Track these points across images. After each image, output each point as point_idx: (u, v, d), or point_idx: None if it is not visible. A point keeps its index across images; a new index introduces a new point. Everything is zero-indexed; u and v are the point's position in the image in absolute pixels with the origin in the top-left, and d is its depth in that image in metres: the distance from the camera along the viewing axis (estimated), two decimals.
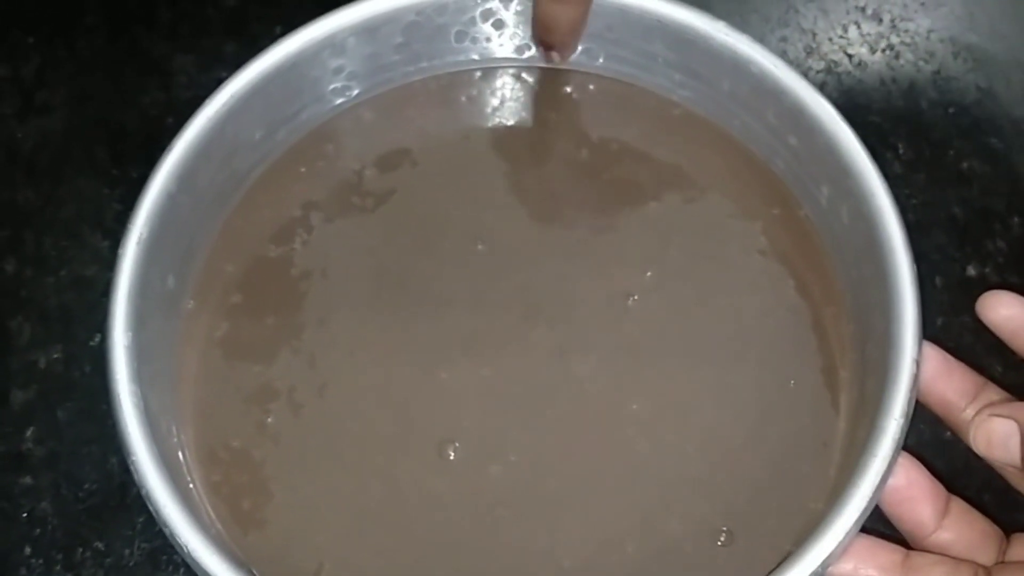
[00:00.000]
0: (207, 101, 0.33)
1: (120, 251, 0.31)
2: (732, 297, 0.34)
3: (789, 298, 0.34)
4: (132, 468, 0.28)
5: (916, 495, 0.29)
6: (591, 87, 0.37)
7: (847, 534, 0.27)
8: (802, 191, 0.35)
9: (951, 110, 0.43)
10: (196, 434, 0.32)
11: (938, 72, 0.44)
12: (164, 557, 0.35)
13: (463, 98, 0.38)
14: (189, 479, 0.31)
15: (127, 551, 0.35)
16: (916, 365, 0.29)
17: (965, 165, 0.41)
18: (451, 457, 0.31)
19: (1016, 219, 0.40)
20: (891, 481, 0.28)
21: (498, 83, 0.38)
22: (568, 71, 0.37)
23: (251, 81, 0.34)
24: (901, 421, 0.28)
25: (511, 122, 0.37)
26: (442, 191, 0.36)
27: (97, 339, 0.39)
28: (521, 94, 0.38)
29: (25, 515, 0.36)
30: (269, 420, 0.32)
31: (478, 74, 0.37)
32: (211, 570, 0.27)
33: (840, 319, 0.33)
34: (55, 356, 0.38)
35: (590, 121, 0.37)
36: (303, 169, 0.36)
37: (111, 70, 0.44)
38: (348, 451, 0.32)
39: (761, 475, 0.31)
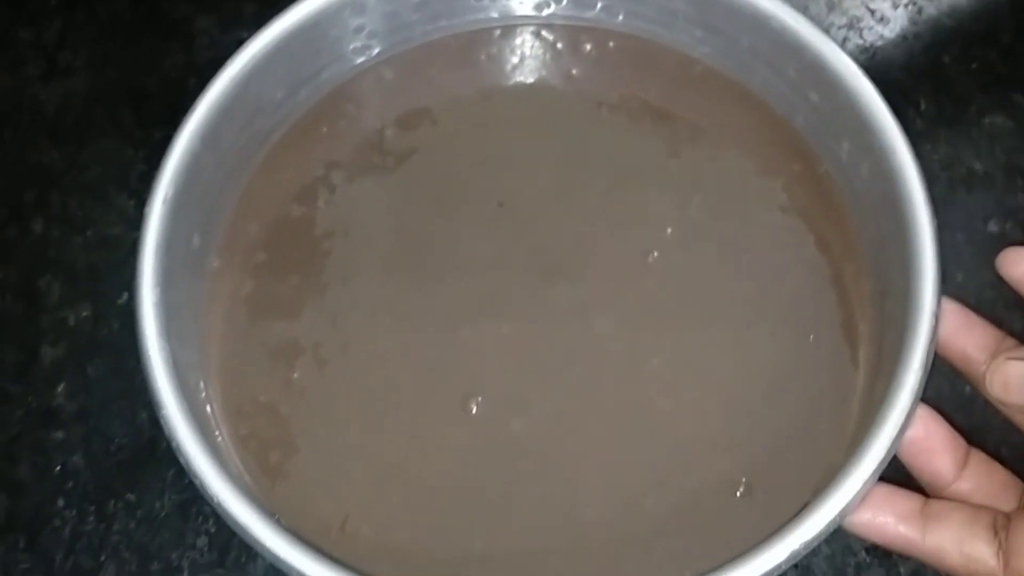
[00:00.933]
0: (229, 61, 0.33)
1: (146, 210, 0.32)
2: (752, 253, 0.34)
3: (809, 254, 0.34)
4: (162, 422, 0.29)
5: (935, 446, 0.29)
6: (611, 44, 0.37)
7: (864, 484, 0.27)
8: (822, 147, 0.35)
9: (973, 65, 0.42)
10: (223, 389, 0.32)
11: (960, 27, 0.43)
12: (194, 508, 0.36)
13: (483, 56, 0.38)
14: (217, 432, 0.32)
15: (158, 503, 0.36)
16: (935, 319, 0.29)
17: (987, 121, 0.41)
18: (473, 411, 0.32)
19: None
20: (909, 432, 0.28)
21: (517, 41, 0.38)
22: (589, 28, 0.37)
23: (272, 41, 0.34)
24: (920, 373, 0.28)
25: (530, 80, 0.37)
26: (462, 150, 0.36)
27: (125, 297, 0.39)
28: (541, 52, 0.38)
29: (58, 468, 0.37)
30: (295, 376, 0.32)
31: (497, 32, 0.37)
32: (240, 520, 0.27)
33: (860, 275, 0.33)
34: (84, 314, 0.39)
35: (610, 79, 0.37)
36: (325, 129, 0.36)
37: (132, 32, 0.44)
38: (372, 406, 0.32)
39: (780, 430, 0.32)
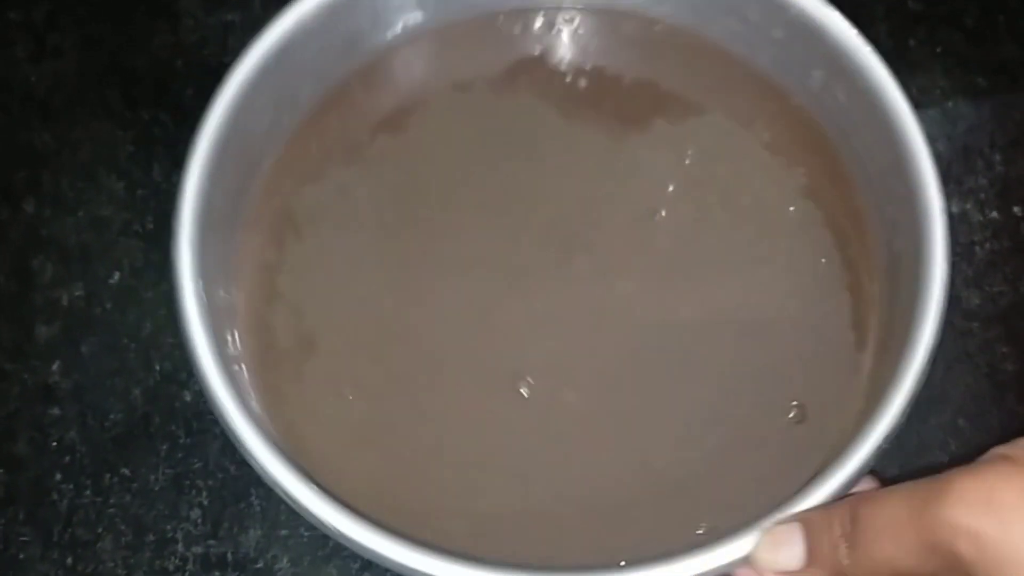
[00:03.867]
0: (268, 25, 0.34)
1: (186, 167, 0.32)
2: (750, 195, 0.35)
3: (800, 184, 0.35)
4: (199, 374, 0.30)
5: None
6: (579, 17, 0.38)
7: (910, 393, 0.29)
8: (792, 80, 0.36)
9: (938, 49, 0.44)
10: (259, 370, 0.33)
11: (925, 11, 0.45)
12: (187, 482, 0.38)
13: (493, 38, 0.38)
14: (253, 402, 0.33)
15: (152, 477, 0.38)
16: (944, 212, 0.30)
17: (950, 104, 0.43)
18: (525, 392, 0.33)
19: (998, 156, 0.42)
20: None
21: (519, 23, 0.38)
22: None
23: (315, 5, 0.34)
24: (942, 271, 0.30)
25: (533, 59, 0.38)
26: (465, 134, 0.37)
27: (116, 277, 0.40)
28: (548, 32, 0.38)
29: (55, 444, 0.38)
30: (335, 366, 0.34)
31: (502, 16, 0.38)
32: (277, 477, 0.29)
33: (852, 193, 0.35)
34: (77, 294, 0.40)
35: (586, 48, 0.38)
36: (360, 96, 0.37)
37: (120, 13, 0.45)
38: (414, 392, 0.33)
39: (814, 355, 0.33)
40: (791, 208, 0.35)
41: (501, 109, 0.37)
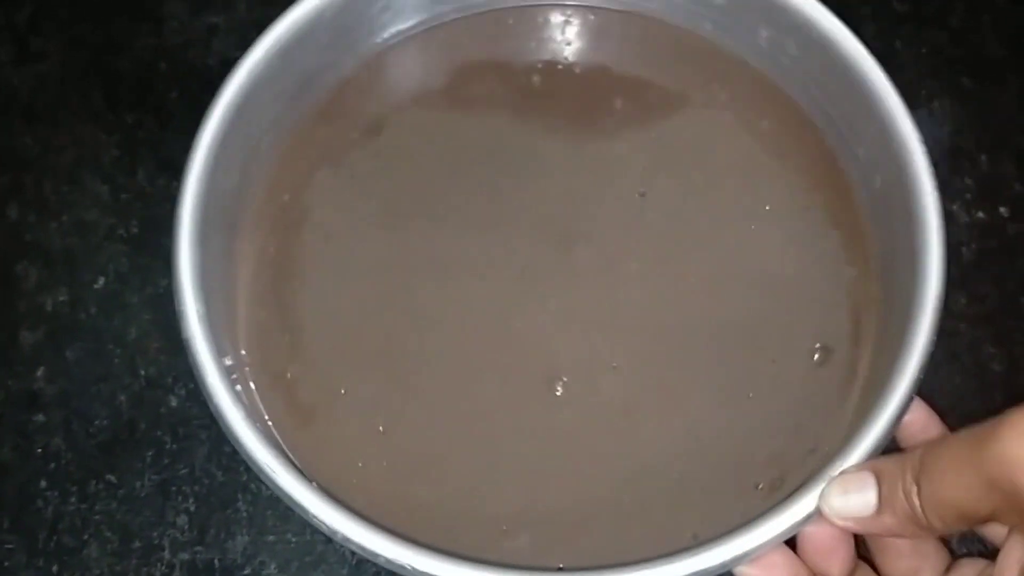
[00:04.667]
0: (271, 26, 0.34)
1: (185, 173, 0.32)
2: (736, 171, 0.36)
3: (779, 149, 0.36)
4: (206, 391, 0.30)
5: (834, 546, 0.29)
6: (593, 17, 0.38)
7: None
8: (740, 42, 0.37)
9: (923, 50, 0.44)
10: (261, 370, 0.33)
11: (911, 12, 0.45)
12: (173, 488, 0.37)
13: (491, 35, 0.39)
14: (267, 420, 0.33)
15: (138, 483, 0.37)
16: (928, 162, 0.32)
17: (936, 104, 0.43)
18: (559, 391, 0.33)
19: (984, 157, 0.42)
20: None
21: (518, 19, 0.39)
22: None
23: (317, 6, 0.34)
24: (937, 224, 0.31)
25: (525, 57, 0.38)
26: (453, 132, 0.37)
27: (101, 282, 0.40)
28: (542, 30, 0.39)
29: (40, 450, 0.38)
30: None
31: (509, 13, 0.38)
32: (297, 496, 0.29)
33: (819, 137, 0.36)
34: (61, 299, 0.40)
35: (573, 44, 0.38)
36: (352, 99, 0.37)
37: (103, 16, 0.45)
38: (445, 401, 0.33)
39: (822, 295, 0.34)
40: (777, 176, 0.36)
41: (489, 110, 0.37)
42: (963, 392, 0.39)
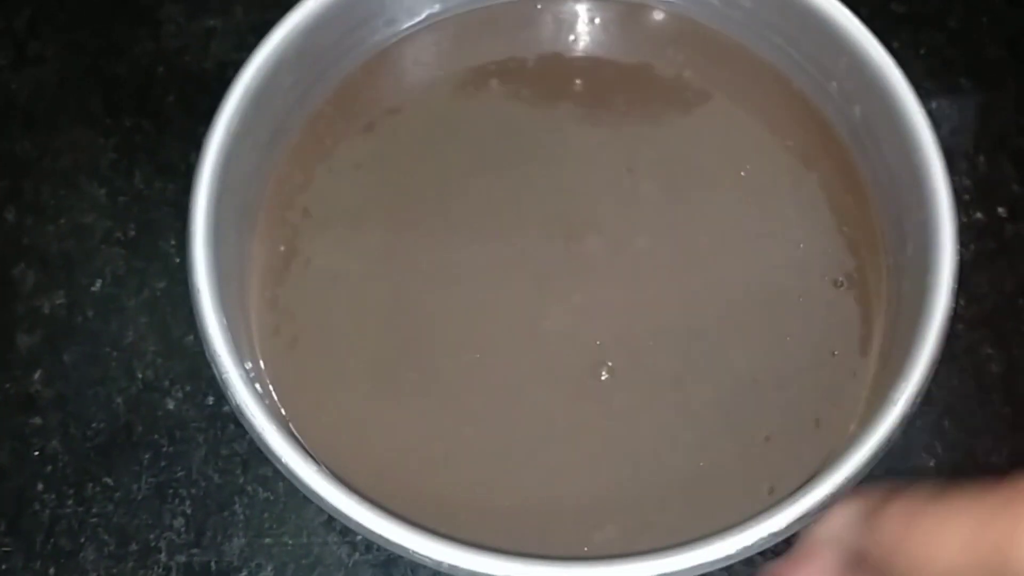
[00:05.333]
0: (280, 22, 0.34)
1: (198, 167, 0.32)
2: (728, 140, 0.37)
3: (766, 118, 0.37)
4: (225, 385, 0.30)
5: None
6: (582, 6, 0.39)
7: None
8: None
9: (921, 51, 0.44)
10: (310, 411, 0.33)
11: (909, 12, 0.45)
12: (170, 491, 0.37)
13: (508, 27, 0.39)
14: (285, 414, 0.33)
15: (135, 486, 0.37)
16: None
17: (934, 105, 0.43)
18: (605, 376, 0.33)
19: (983, 158, 0.42)
20: None
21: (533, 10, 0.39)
22: None
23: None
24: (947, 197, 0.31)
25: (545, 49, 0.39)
26: (462, 124, 0.37)
27: (98, 285, 0.40)
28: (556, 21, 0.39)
29: (37, 453, 0.38)
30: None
31: (524, 3, 0.39)
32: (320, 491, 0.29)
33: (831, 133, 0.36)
34: (58, 302, 0.40)
35: (584, 37, 0.39)
36: (366, 88, 0.37)
37: (101, 20, 0.45)
38: (492, 395, 0.34)
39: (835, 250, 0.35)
40: (770, 143, 0.37)
41: (499, 101, 0.37)
42: (961, 394, 0.38)
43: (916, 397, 0.30)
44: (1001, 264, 0.40)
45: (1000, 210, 0.41)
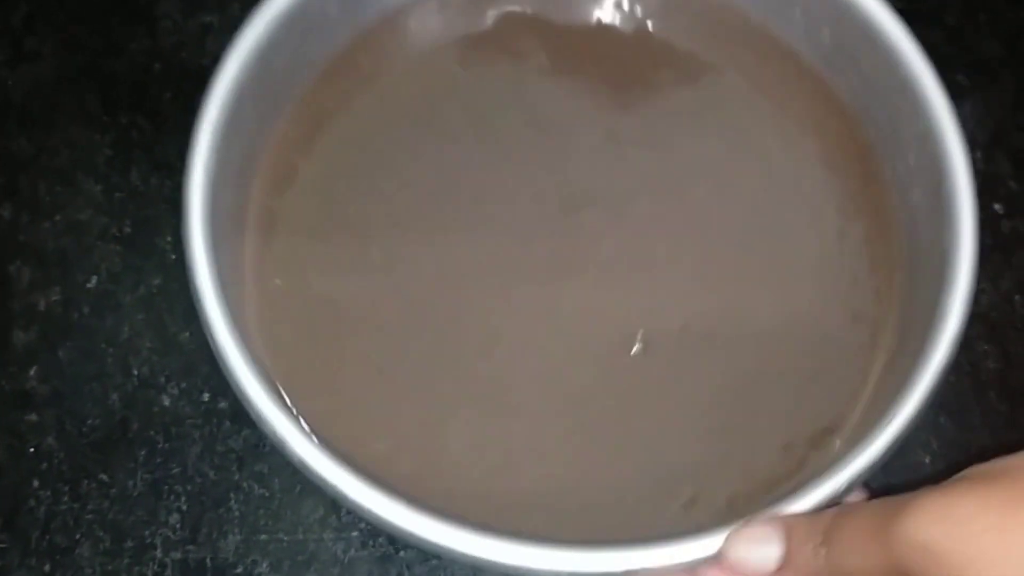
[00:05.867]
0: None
1: (190, 155, 0.32)
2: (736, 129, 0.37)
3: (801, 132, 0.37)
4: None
5: None
6: None
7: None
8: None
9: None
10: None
11: (906, 8, 0.45)
12: (165, 487, 0.37)
13: None
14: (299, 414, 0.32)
15: (130, 482, 0.37)
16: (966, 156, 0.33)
17: None
18: (634, 350, 0.33)
19: (979, 154, 0.42)
20: None
21: None
22: None
23: None
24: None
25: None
26: (465, 92, 0.37)
27: (94, 281, 0.40)
28: None
29: (32, 450, 0.38)
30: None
31: None
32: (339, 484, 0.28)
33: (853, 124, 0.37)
34: (54, 298, 0.40)
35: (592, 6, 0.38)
36: (363, 58, 0.37)
37: (98, 17, 0.45)
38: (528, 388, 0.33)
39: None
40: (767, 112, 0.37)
41: (502, 69, 0.37)
42: (957, 390, 0.38)
43: (926, 400, 0.30)
44: (997, 260, 0.40)
45: (996, 206, 0.41)
